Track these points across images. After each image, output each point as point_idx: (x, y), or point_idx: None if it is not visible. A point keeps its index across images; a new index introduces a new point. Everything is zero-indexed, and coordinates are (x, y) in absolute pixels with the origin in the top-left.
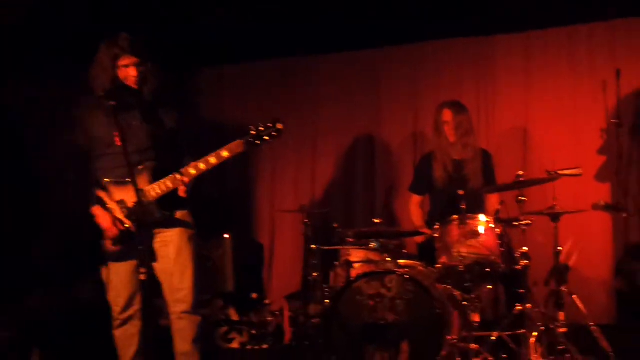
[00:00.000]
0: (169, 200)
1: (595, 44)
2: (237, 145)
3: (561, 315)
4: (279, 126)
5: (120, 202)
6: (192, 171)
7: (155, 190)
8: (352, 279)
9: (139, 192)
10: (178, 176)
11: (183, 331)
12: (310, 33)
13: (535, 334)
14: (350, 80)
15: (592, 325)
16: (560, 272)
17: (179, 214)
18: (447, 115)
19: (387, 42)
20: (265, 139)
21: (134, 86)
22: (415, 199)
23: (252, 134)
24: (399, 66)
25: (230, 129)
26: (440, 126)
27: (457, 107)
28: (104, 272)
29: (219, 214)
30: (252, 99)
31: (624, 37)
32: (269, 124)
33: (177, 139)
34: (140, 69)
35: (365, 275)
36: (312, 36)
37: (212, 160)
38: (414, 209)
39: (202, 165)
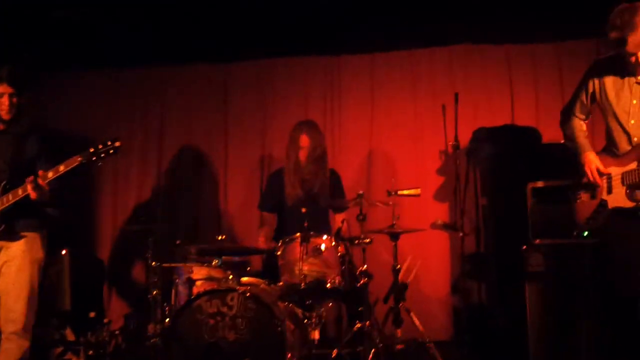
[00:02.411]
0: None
1: (436, 67)
2: (74, 161)
3: (399, 332)
4: (117, 144)
5: None
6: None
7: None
8: (193, 296)
9: None
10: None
11: (8, 352)
12: (161, 43)
13: (373, 350)
14: (199, 95)
15: (429, 342)
16: (398, 290)
17: (28, 235)
18: (305, 141)
19: (236, 58)
20: (102, 157)
21: (5, 115)
22: (264, 216)
23: (90, 151)
24: (247, 82)
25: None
26: (296, 149)
27: (314, 132)
28: None
29: (56, 228)
30: (99, 109)
31: (461, 62)
32: (108, 142)
33: (37, 168)
34: (14, 100)
35: (205, 293)
36: (163, 47)
37: (50, 174)
38: (261, 227)
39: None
